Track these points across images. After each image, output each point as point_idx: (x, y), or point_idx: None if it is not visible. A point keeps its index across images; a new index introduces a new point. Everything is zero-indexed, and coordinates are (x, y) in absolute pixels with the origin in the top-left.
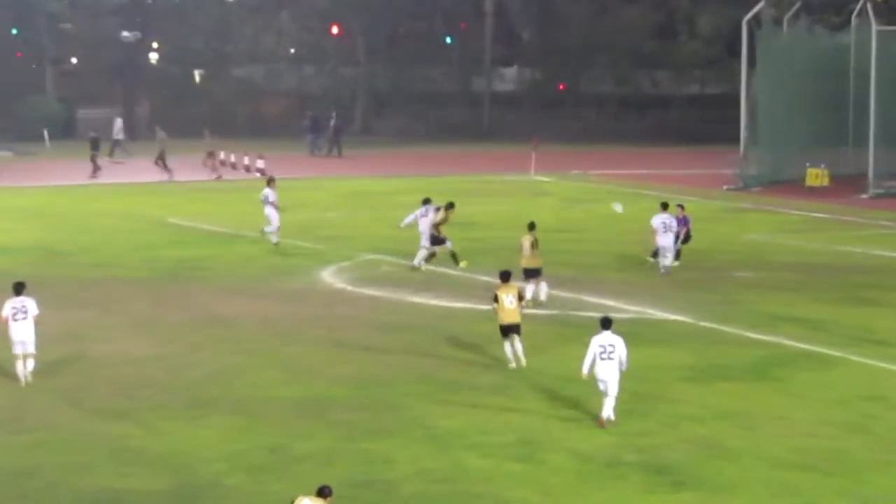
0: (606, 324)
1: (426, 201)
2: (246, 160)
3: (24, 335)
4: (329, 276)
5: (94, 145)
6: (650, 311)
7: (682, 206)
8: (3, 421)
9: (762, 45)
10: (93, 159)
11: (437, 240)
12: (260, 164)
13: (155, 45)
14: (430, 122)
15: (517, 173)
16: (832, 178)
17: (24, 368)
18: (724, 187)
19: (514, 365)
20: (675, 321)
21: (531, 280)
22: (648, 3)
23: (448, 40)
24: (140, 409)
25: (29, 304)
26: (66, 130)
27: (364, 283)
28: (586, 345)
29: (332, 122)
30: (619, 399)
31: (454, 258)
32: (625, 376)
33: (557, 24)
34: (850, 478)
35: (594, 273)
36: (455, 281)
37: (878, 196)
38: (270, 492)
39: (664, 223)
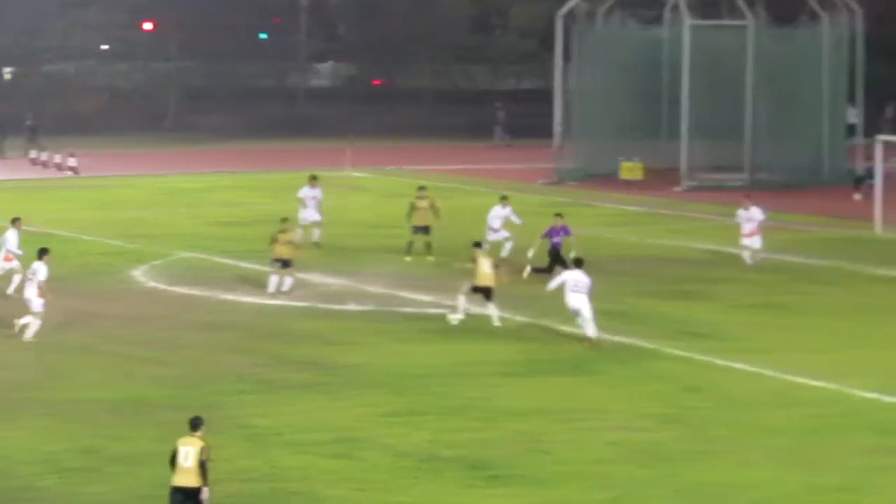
0: (579, 263)
1: None
2: (57, 158)
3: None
4: (141, 275)
5: None
6: (466, 305)
7: (560, 216)
8: None
9: (577, 40)
10: None
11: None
12: (72, 162)
13: None
14: (246, 118)
15: (334, 169)
16: (646, 171)
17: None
18: (540, 181)
19: (460, 317)
20: (492, 316)
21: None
22: None
23: (263, 35)
24: None
25: (39, 269)
26: None
27: (177, 282)
28: (403, 340)
29: (28, 123)
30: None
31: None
32: (442, 373)
33: (375, 18)
34: (663, 469)
35: (411, 268)
36: (266, 278)
37: (692, 189)
38: (83, 493)
39: (501, 218)
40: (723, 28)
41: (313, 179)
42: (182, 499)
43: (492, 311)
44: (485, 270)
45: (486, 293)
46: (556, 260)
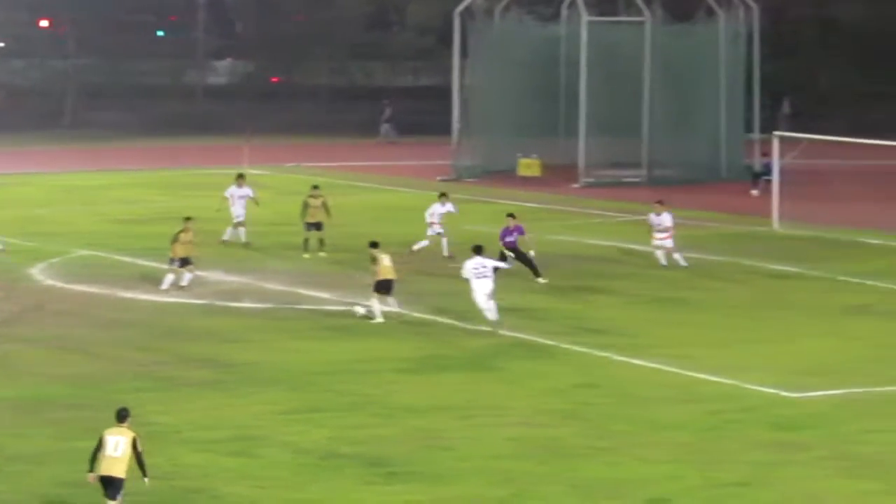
0: (478, 250)
1: None
2: None
3: None
4: (39, 273)
5: None
6: (366, 303)
7: (513, 216)
8: None
9: (474, 37)
10: None
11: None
12: None
13: None
14: (144, 115)
15: (231, 166)
16: (545, 167)
17: None
18: (438, 178)
19: (380, 320)
20: (391, 313)
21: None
22: None
23: (160, 33)
24: None
25: None
26: None
27: (76, 280)
28: (301, 338)
29: None
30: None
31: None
32: (340, 370)
33: (272, 15)
34: (562, 465)
35: (309, 265)
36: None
37: (589, 185)
38: None
39: (440, 214)
40: (620, 24)
41: (240, 178)
42: (105, 487)
43: (391, 304)
44: (385, 264)
45: (387, 287)
46: (517, 259)
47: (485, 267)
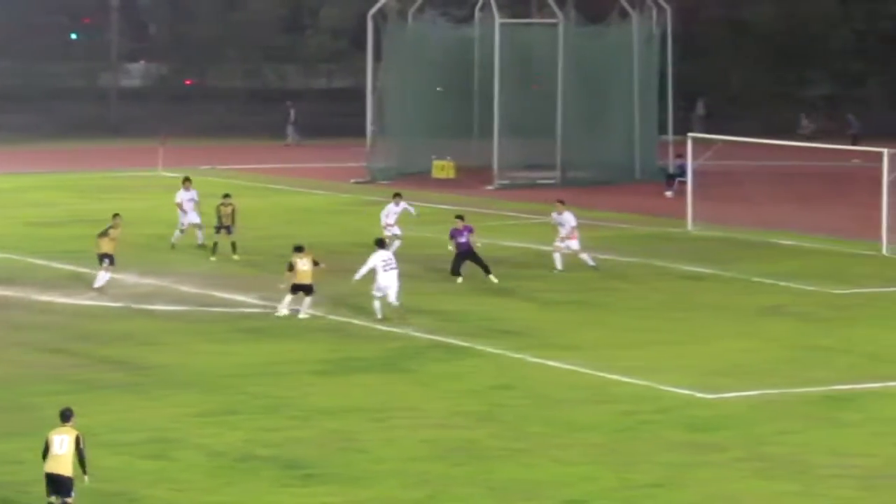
0: (381, 243)
1: None
2: None
3: None
4: None
5: None
6: (277, 304)
7: (461, 218)
8: None
9: (388, 39)
10: None
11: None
12: None
13: None
14: (58, 118)
15: (146, 169)
16: (459, 169)
17: None
18: (352, 180)
19: (285, 311)
20: (302, 315)
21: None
22: None
23: (74, 35)
24: None
25: None
26: None
27: None
28: (216, 340)
29: None
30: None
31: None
32: (255, 373)
33: (186, 18)
34: (478, 466)
35: (224, 268)
36: (82, 279)
37: (504, 187)
38: None
39: (396, 214)
40: (533, 26)
41: (187, 181)
42: (52, 485)
43: (304, 305)
44: (301, 269)
45: (305, 290)
46: (470, 258)
47: (392, 259)
